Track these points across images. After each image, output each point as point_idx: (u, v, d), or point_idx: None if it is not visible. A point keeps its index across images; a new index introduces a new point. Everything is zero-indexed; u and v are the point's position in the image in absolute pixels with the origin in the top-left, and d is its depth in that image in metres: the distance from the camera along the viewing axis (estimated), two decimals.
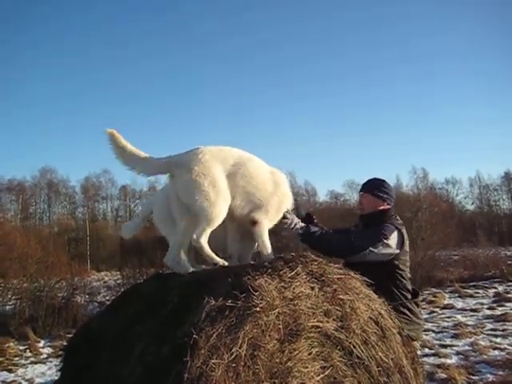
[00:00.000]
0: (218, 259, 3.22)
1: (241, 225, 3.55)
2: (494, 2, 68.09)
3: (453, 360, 7.16)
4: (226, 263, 3.27)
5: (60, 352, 3.64)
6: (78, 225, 43.67)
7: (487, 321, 10.17)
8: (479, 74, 71.49)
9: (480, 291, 14.14)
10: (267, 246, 3.43)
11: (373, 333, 3.12)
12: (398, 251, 3.70)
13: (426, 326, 9.69)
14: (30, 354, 9.64)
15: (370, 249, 3.58)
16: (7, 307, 12.42)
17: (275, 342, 2.67)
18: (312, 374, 2.83)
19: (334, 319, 2.95)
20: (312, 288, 2.89)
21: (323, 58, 74.76)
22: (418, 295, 3.90)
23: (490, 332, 9.14)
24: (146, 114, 72.78)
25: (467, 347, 7.88)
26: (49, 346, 10.18)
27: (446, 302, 12.39)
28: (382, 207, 3.89)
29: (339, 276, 3.07)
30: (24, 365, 8.85)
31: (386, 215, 3.86)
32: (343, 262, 3.65)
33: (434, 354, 7.48)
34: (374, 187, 3.94)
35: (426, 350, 7.75)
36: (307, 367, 2.81)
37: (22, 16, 64.48)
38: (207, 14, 72.75)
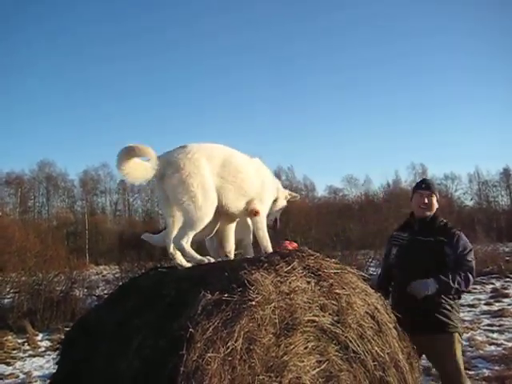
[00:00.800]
0: (199, 257, 3.23)
1: (235, 220, 3.58)
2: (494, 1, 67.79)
3: None
4: (212, 260, 3.28)
5: (58, 345, 3.65)
6: (76, 218, 43.68)
7: (484, 316, 10.20)
8: (478, 70, 71.46)
9: (478, 287, 14.14)
10: (267, 237, 3.47)
11: (369, 327, 3.14)
12: None
13: None
14: (28, 348, 9.65)
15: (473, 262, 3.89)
16: (5, 300, 12.41)
17: (271, 336, 2.69)
18: (308, 368, 2.85)
19: (330, 313, 2.96)
20: (308, 282, 2.91)
21: (322, 53, 74.61)
22: None
23: (486, 327, 9.16)
24: (142, 108, 72.45)
25: (464, 342, 7.88)
26: (47, 340, 10.19)
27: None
28: (436, 207, 4.04)
29: (335, 270, 3.08)
30: (22, 358, 8.85)
31: (439, 217, 4.04)
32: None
33: None
34: (436, 188, 4.11)
35: None
36: (303, 361, 2.83)
37: (20, 14, 64.19)
38: (207, 11, 72.30)
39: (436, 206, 4.01)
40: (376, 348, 3.13)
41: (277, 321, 2.69)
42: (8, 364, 8.44)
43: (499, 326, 9.26)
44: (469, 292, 12.84)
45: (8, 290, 12.93)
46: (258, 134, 69.56)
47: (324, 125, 73.37)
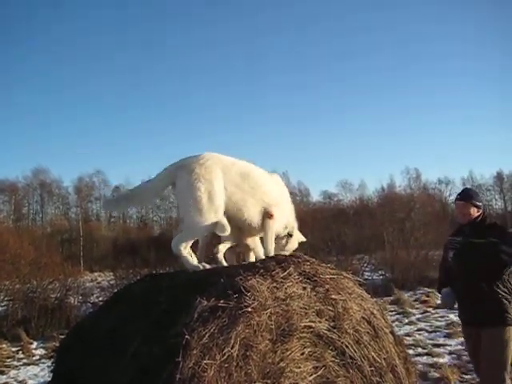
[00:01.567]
0: (195, 264, 3.22)
1: (256, 235, 3.60)
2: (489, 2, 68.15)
3: (446, 359, 7.17)
4: (208, 266, 3.26)
5: (53, 353, 3.62)
6: (71, 225, 43.45)
7: None
8: (471, 74, 71.79)
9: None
10: (272, 241, 3.47)
11: (365, 332, 3.13)
12: None
13: (418, 326, 9.75)
14: (22, 356, 9.57)
15: None
16: (0, 308, 12.35)
17: (267, 342, 2.68)
18: (304, 374, 2.84)
19: (326, 319, 2.96)
20: (304, 288, 2.90)
21: (316, 63, 74.77)
22: None
23: None
24: (137, 117, 72.39)
25: (460, 346, 7.87)
26: (41, 348, 10.11)
27: (438, 302, 12.41)
28: (478, 213, 4.38)
29: (331, 276, 3.08)
30: (16, 366, 8.78)
31: (487, 219, 4.44)
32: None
33: (426, 354, 7.47)
34: (473, 197, 4.45)
35: (419, 350, 7.75)
36: (300, 367, 2.82)
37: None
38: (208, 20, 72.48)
39: (474, 212, 4.37)
40: (373, 353, 3.12)
41: (273, 327, 2.69)
42: (2, 373, 8.37)
43: None
44: None
45: (2, 297, 12.87)
46: (253, 139, 69.44)
47: (318, 130, 73.39)
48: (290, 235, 3.76)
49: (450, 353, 7.60)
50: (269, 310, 2.68)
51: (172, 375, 2.37)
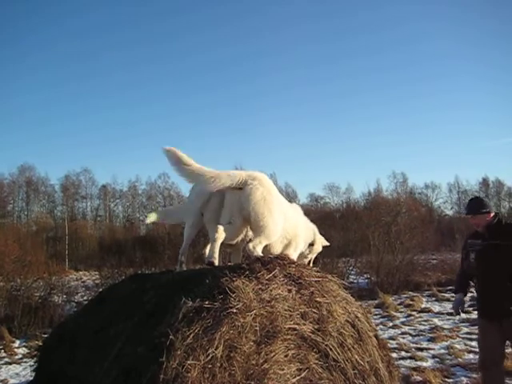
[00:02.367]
0: None
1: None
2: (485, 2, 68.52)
3: (429, 363, 7.21)
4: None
5: (35, 352, 3.59)
6: (56, 224, 43.11)
7: (463, 324, 10.24)
8: (461, 76, 72.10)
9: (454, 297, 14.25)
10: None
11: (349, 336, 3.15)
12: None
13: (402, 329, 9.81)
14: (4, 355, 9.49)
15: None
16: None
17: (252, 343, 2.68)
18: (288, 375, 2.85)
19: (310, 322, 2.97)
20: (289, 290, 2.91)
21: (303, 64, 74.82)
22: None
23: (465, 335, 9.21)
24: (127, 116, 72.09)
25: (443, 350, 7.95)
26: (24, 347, 10.02)
27: (423, 306, 12.47)
28: (490, 217, 4.65)
29: (316, 279, 3.09)
30: None
31: (502, 220, 4.72)
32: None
33: (410, 357, 7.52)
34: (478, 208, 4.69)
35: (403, 353, 7.79)
36: (283, 369, 2.83)
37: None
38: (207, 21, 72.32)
39: (485, 218, 4.63)
40: (356, 356, 3.14)
41: (257, 328, 2.69)
42: None
43: (478, 334, 9.33)
44: (448, 300, 12.98)
45: None
46: (240, 140, 69.44)
47: (306, 132, 73.48)
48: (311, 244, 4.03)
49: (433, 356, 7.66)
50: (253, 311, 2.68)
51: (156, 375, 2.37)
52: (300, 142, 71.35)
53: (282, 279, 2.90)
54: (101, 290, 6.23)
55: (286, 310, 2.85)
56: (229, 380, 2.55)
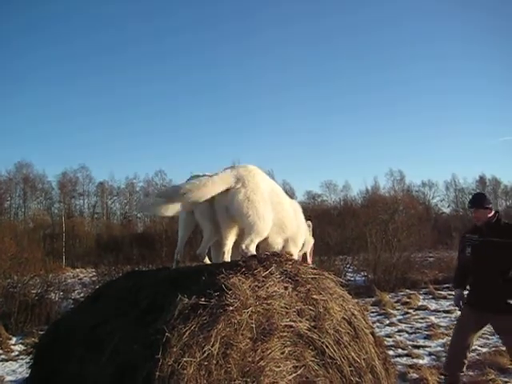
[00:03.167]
0: None
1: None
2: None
3: (425, 360, 7.22)
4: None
5: (32, 349, 3.58)
6: (53, 221, 42.98)
7: None
8: (457, 75, 72.15)
9: (453, 293, 14.26)
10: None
11: (345, 333, 3.15)
12: None
13: (399, 327, 9.81)
14: (0, 352, 9.44)
15: None
16: None
17: (248, 340, 2.68)
18: (284, 373, 2.85)
19: (307, 319, 2.96)
20: (286, 287, 2.91)
21: (302, 63, 74.74)
22: None
23: None
24: (125, 112, 71.91)
25: (439, 348, 7.95)
26: (21, 343, 9.99)
27: (420, 304, 12.48)
28: (491, 214, 4.80)
29: (313, 276, 3.09)
30: None
31: (501, 219, 4.86)
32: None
33: (406, 355, 7.52)
34: (482, 202, 4.87)
35: (399, 351, 7.79)
36: (279, 366, 2.82)
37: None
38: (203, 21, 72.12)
39: (486, 214, 4.79)
40: (352, 354, 3.14)
41: (254, 326, 2.69)
42: None
43: None
44: (444, 298, 13.01)
45: None
46: (238, 138, 69.34)
47: (303, 131, 73.43)
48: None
49: (430, 354, 7.66)
50: (250, 308, 2.68)
51: (152, 372, 2.36)
52: (298, 140, 71.44)
53: (278, 276, 2.90)
54: (97, 287, 6.23)
55: (282, 308, 2.84)
56: (225, 377, 2.55)
